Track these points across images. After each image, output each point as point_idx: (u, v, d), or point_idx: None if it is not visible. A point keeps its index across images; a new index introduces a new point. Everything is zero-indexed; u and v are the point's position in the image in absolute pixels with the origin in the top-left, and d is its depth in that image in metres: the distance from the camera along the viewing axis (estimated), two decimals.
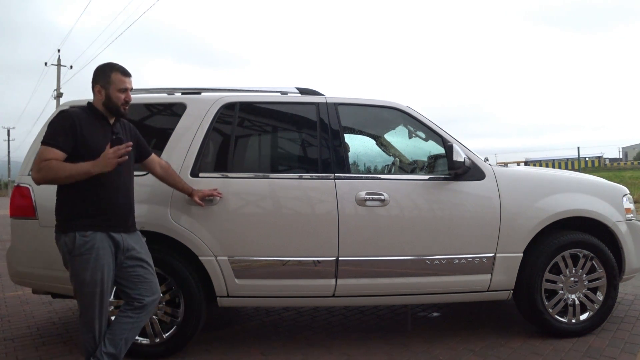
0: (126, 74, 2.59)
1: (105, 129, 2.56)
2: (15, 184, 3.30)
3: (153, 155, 2.92)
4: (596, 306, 3.36)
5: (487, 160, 3.54)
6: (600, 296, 3.37)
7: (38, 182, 2.41)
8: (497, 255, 3.23)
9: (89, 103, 2.61)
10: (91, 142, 2.45)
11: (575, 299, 3.36)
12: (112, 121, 2.61)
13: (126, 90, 2.58)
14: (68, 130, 2.41)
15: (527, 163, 27.50)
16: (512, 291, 3.31)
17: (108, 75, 2.55)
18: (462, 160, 3.13)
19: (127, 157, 2.41)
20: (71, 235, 2.44)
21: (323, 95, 3.53)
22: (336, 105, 3.43)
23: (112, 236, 2.51)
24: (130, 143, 2.45)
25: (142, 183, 3.08)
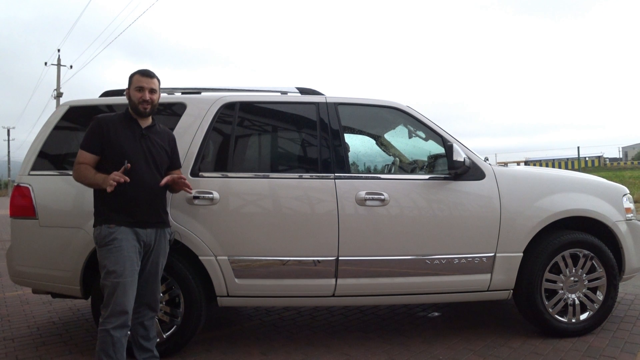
0: (144, 74, 2.77)
1: (135, 131, 2.74)
2: (15, 184, 3.30)
3: (179, 171, 2.97)
4: (596, 306, 3.36)
5: (487, 160, 3.54)
6: (600, 296, 3.37)
7: (75, 180, 2.72)
8: (497, 255, 3.23)
9: (127, 108, 2.81)
10: (116, 143, 2.67)
11: (575, 298, 3.36)
12: (145, 125, 2.77)
13: (142, 88, 2.72)
14: (96, 134, 2.68)
15: (527, 163, 27.50)
16: (512, 291, 3.31)
17: (130, 78, 2.78)
18: (462, 160, 3.13)
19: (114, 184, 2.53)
20: (98, 228, 2.65)
21: (323, 95, 3.53)
22: (336, 105, 3.43)
23: (137, 232, 2.66)
24: (128, 179, 2.56)
25: None
